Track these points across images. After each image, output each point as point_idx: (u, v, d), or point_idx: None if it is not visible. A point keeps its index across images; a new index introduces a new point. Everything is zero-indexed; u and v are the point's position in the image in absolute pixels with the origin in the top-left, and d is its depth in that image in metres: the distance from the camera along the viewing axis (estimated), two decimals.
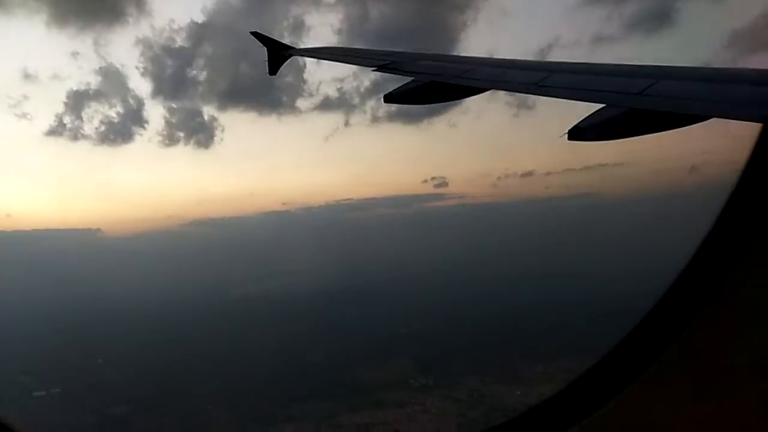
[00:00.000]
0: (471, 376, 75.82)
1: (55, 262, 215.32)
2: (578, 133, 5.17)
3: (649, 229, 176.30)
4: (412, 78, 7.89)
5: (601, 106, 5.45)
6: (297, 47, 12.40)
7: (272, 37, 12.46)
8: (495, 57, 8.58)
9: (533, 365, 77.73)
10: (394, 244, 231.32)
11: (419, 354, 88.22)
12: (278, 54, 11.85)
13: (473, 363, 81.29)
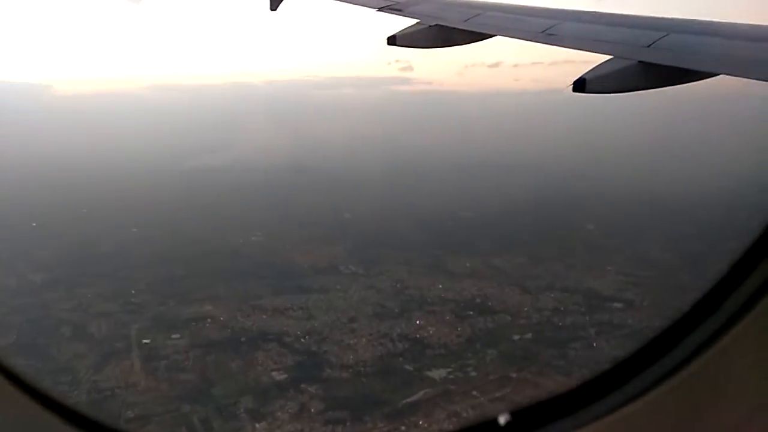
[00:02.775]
0: (401, 267, 77.24)
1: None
2: (582, 85, 4.99)
3: (616, 128, 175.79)
4: (417, 20, 7.62)
5: (608, 57, 5.23)
6: None
7: None
8: (501, 2, 7.97)
9: (463, 260, 79.49)
10: (360, 126, 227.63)
11: (357, 241, 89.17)
12: None
13: (407, 253, 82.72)
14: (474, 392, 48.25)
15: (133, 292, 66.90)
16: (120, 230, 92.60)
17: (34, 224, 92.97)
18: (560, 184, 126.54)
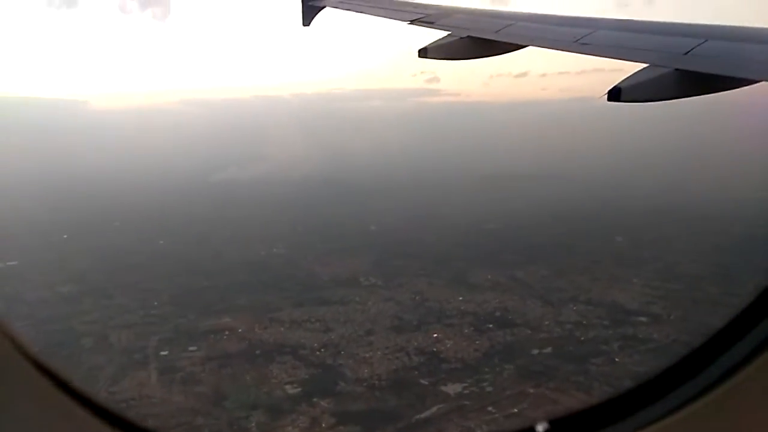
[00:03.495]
0: (422, 279, 76.70)
1: (37, 132, 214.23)
2: (618, 94, 4.86)
3: (646, 137, 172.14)
4: (448, 32, 7.71)
5: (644, 65, 5.17)
6: None
7: None
8: (532, 12, 7.91)
9: (486, 273, 78.43)
10: (388, 138, 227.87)
11: (381, 253, 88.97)
12: (312, 5, 11.58)
13: (429, 265, 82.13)
14: (489, 408, 47.23)
15: (155, 303, 67.95)
16: (148, 243, 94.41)
17: (66, 236, 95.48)
18: (590, 195, 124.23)
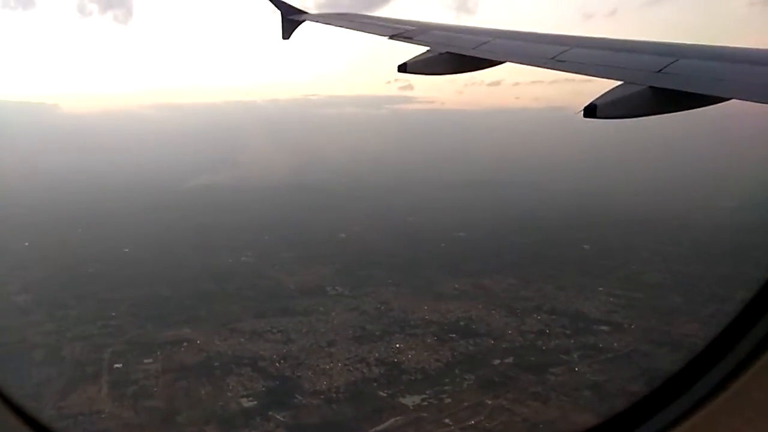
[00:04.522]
0: (389, 288, 76.19)
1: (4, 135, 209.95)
2: (594, 110, 4.99)
3: (616, 148, 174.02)
4: (427, 48, 7.86)
5: (619, 83, 5.32)
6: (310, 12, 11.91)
7: None
8: (509, 29, 8.18)
9: (453, 281, 78.25)
10: (361, 146, 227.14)
11: (349, 261, 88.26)
12: (292, 19, 11.77)
13: (397, 274, 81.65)
14: (446, 420, 46.86)
15: (113, 314, 66.50)
16: (112, 250, 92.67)
17: (27, 244, 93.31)
18: (560, 203, 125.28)
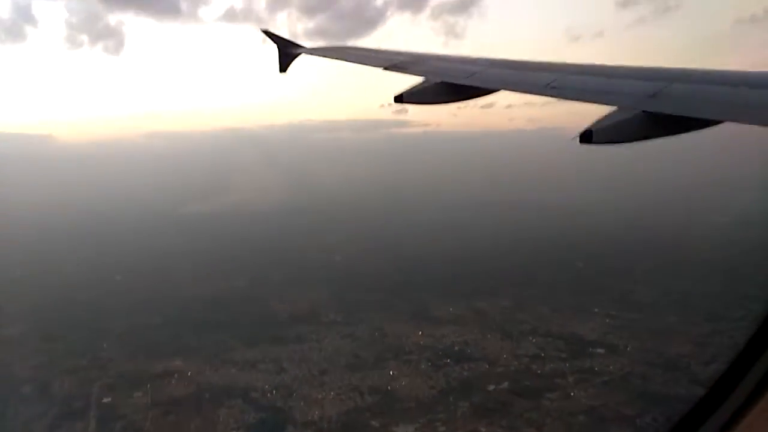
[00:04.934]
0: (383, 313, 75.54)
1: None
2: (589, 136, 5.08)
3: (609, 169, 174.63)
4: (422, 78, 8.06)
5: (613, 108, 5.43)
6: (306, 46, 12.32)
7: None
8: (502, 58, 8.42)
9: (448, 305, 77.66)
10: (358, 169, 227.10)
11: (344, 285, 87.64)
12: (288, 52, 12.05)
13: (392, 298, 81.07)
14: None
15: (104, 345, 65.75)
16: (104, 279, 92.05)
17: (19, 273, 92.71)
18: (554, 222, 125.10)
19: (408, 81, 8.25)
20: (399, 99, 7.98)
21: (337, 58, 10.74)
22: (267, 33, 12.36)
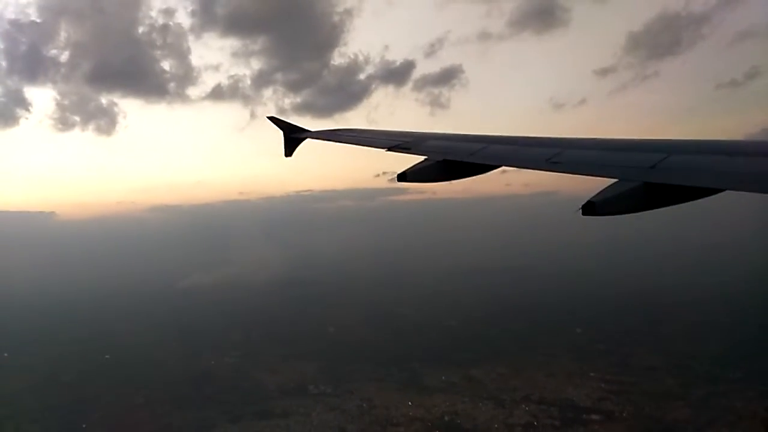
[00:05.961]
0: (373, 383, 73.56)
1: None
2: (592, 208, 5.17)
3: (607, 233, 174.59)
4: (425, 157, 8.20)
5: (614, 180, 5.55)
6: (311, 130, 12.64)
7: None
8: (502, 135, 8.67)
9: (440, 373, 75.67)
10: (358, 238, 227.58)
11: (335, 356, 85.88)
12: (294, 137, 12.28)
13: (383, 368, 79.16)
14: None
15: (83, 426, 63.76)
16: (93, 358, 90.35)
17: (6, 355, 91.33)
18: (552, 287, 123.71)
19: (407, 159, 8.42)
20: (402, 178, 8.03)
21: (341, 142, 11.04)
22: (272, 119, 12.61)
